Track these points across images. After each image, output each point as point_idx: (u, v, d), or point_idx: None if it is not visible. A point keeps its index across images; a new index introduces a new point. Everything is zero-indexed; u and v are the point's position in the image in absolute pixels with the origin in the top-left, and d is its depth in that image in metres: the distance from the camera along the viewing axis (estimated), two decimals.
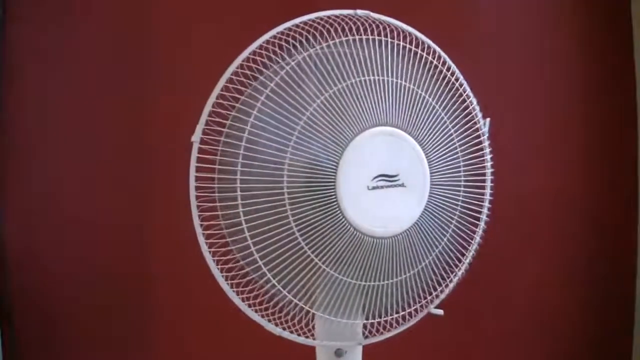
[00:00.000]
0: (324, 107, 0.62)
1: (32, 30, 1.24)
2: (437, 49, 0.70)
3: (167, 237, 1.22)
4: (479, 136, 0.72)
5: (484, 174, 0.72)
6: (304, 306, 0.65)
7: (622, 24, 1.17)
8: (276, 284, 0.63)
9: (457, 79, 0.70)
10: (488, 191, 0.73)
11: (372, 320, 0.68)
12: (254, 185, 0.62)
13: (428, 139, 0.67)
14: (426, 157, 0.66)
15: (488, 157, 0.72)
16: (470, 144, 0.71)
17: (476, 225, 0.72)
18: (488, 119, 0.73)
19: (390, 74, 0.65)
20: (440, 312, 0.71)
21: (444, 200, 0.68)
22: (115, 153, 1.23)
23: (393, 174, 0.65)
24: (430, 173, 0.67)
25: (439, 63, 0.69)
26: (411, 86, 0.66)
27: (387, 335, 0.70)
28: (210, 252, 0.64)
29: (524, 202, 1.18)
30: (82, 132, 1.24)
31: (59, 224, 1.24)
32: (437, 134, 0.67)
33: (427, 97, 0.67)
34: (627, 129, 1.18)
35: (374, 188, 0.64)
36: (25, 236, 1.26)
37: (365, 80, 0.64)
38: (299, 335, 0.67)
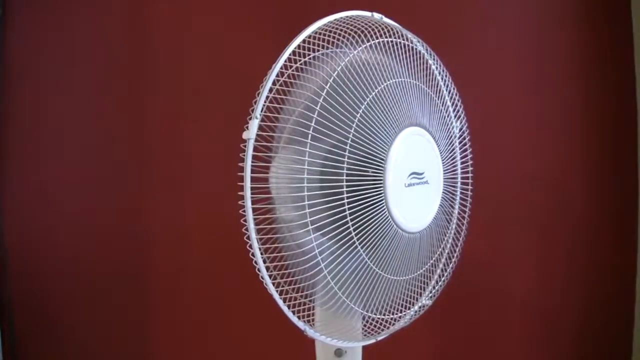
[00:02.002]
0: (371, 107, 0.63)
1: (32, 30, 1.24)
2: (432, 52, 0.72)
3: (167, 237, 1.22)
4: (465, 137, 0.76)
5: (467, 172, 0.77)
6: (353, 306, 0.65)
7: (622, 24, 1.17)
8: (337, 291, 0.63)
9: (452, 82, 0.74)
10: (470, 187, 0.77)
11: (379, 316, 0.69)
12: (311, 184, 0.60)
13: (440, 139, 0.70)
14: (441, 155, 0.70)
15: (469, 155, 0.77)
16: (462, 143, 0.76)
17: (463, 218, 0.77)
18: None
19: (409, 76, 0.68)
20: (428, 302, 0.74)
21: (447, 197, 0.73)
22: (115, 153, 1.23)
23: (421, 172, 0.67)
24: (445, 171, 0.71)
25: (434, 62, 0.73)
26: (424, 87, 0.69)
27: (388, 333, 0.70)
28: (260, 249, 0.60)
29: (523, 201, 1.18)
30: (82, 132, 1.24)
31: (58, 224, 1.24)
32: (445, 134, 0.72)
33: (435, 98, 0.71)
34: (627, 129, 1.18)
35: (409, 185, 0.66)
36: (25, 236, 1.26)
37: (400, 82, 0.66)
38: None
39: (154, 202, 1.23)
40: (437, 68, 0.73)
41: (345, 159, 0.61)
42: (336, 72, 0.63)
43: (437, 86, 0.72)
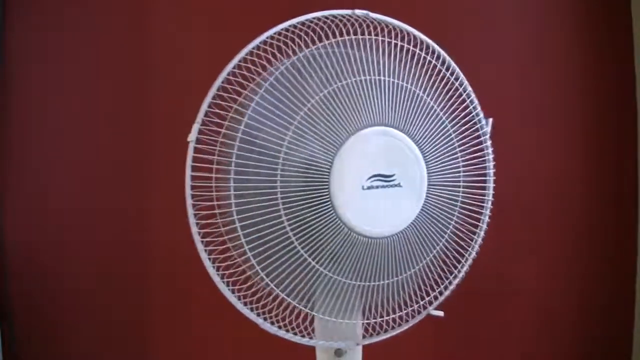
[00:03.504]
0: (319, 107, 0.62)
1: (32, 31, 1.24)
2: (436, 47, 0.69)
3: (167, 237, 1.22)
4: (479, 136, 0.71)
5: (484, 174, 0.71)
6: (297, 305, 0.65)
7: (622, 24, 1.17)
8: (270, 282, 0.64)
9: (457, 78, 0.70)
10: (490, 192, 0.72)
11: (369, 321, 0.68)
12: (247, 184, 0.62)
13: (426, 139, 0.66)
14: (423, 157, 0.66)
15: (490, 157, 0.72)
16: (471, 144, 0.70)
17: (476, 227, 0.72)
18: (490, 119, 0.72)
19: (387, 74, 0.65)
20: (440, 313, 0.71)
21: (442, 201, 0.68)
22: (115, 153, 1.23)
23: (389, 174, 0.64)
24: (428, 173, 0.66)
25: (438, 62, 0.69)
26: (408, 86, 0.65)
27: (387, 335, 0.70)
28: (206, 250, 0.64)
29: (523, 201, 1.18)
30: (82, 132, 1.24)
31: (58, 224, 1.24)
32: (435, 133, 0.67)
33: (425, 96, 0.66)
34: (627, 129, 1.18)
35: (369, 188, 0.63)
36: (25, 236, 1.26)
37: (361, 80, 0.63)
38: (295, 334, 0.67)
39: (154, 202, 1.23)
40: (440, 65, 0.69)
41: (280, 161, 0.61)
42: (279, 71, 0.63)
43: (435, 85, 0.68)
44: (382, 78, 0.64)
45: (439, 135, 0.67)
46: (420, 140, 0.66)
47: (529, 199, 1.18)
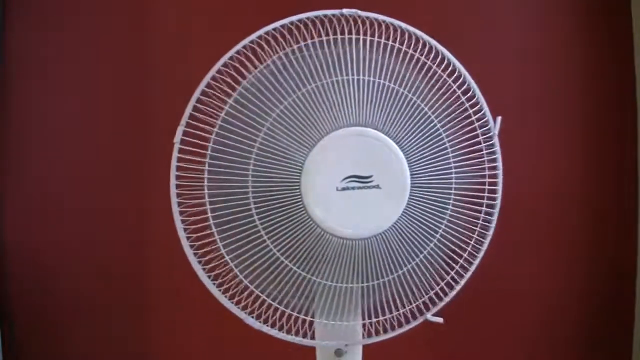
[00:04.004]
0: (292, 108, 0.63)
1: (32, 31, 1.24)
2: (432, 42, 0.67)
3: (167, 237, 1.22)
4: (476, 136, 0.68)
5: (484, 176, 0.68)
6: (272, 302, 0.66)
7: (622, 24, 1.17)
8: (244, 279, 0.65)
9: (452, 74, 0.67)
10: (499, 196, 0.69)
11: (355, 322, 0.68)
12: (221, 184, 0.64)
13: (409, 139, 0.64)
14: (406, 158, 0.64)
15: (498, 157, 0.69)
16: (465, 144, 0.68)
17: (473, 232, 0.69)
18: (499, 118, 0.69)
19: (367, 73, 0.64)
20: (439, 319, 0.69)
21: (428, 204, 0.65)
22: (116, 152, 1.23)
23: (366, 175, 0.63)
24: (412, 174, 0.64)
25: (429, 58, 0.67)
26: (391, 84, 0.64)
27: (386, 336, 0.69)
28: (191, 246, 0.67)
29: (522, 201, 1.18)
30: (82, 132, 1.24)
31: (58, 224, 1.24)
32: (421, 133, 0.65)
33: (410, 95, 0.65)
34: (627, 129, 1.18)
35: (343, 189, 0.63)
36: (25, 236, 1.26)
37: (338, 81, 0.63)
38: (295, 335, 0.67)
39: (154, 202, 1.22)
40: (431, 62, 0.67)
41: (252, 161, 0.63)
42: (253, 74, 0.64)
43: (425, 82, 0.66)
44: (361, 77, 0.63)
45: (425, 135, 0.65)
46: (402, 141, 0.64)
47: (528, 199, 1.18)
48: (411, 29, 0.67)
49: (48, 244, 1.25)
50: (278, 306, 0.66)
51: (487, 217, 0.69)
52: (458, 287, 0.69)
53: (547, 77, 1.19)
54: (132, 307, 1.24)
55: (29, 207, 1.25)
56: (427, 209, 0.65)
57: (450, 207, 0.66)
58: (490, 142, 0.69)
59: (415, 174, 0.64)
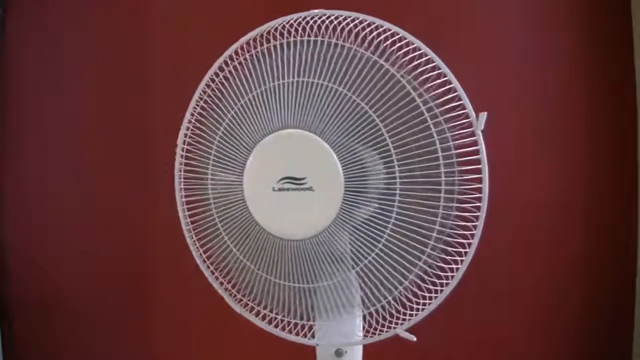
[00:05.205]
0: (240, 112, 0.66)
1: (32, 30, 1.24)
2: (402, 32, 0.62)
3: (167, 237, 1.22)
4: (431, 135, 0.61)
5: (439, 183, 0.61)
6: (241, 297, 0.70)
7: (622, 24, 1.17)
8: (213, 271, 0.71)
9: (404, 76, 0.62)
10: (484, 203, 0.63)
11: (303, 322, 0.68)
12: (194, 181, 0.70)
13: (344, 141, 0.62)
14: (340, 162, 0.61)
15: (484, 158, 0.62)
16: (419, 144, 0.61)
17: (426, 245, 0.62)
18: (484, 114, 0.63)
19: (308, 75, 0.63)
20: (411, 337, 0.65)
21: (365, 209, 0.62)
22: (116, 152, 1.23)
23: (300, 177, 0.63)
24: (347, 178, 0.61)
25: (387, 62, 0.62)
26: (330, 84, 0.62)
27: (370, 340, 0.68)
28: (193, 239, 0.73)
29: (522, 202, 1.18)
30: (82, 132, 1.24)
31: (59, 224, 1.24)
32: (357, 135, 0.61)
33: (353, 96, 0.61)
34: (627, 129, 1.18)
35: (279, 190, 0.63)
36: (25, 236, 1.26)
37: (278, 85, 0.64)
38: (297, 334, 0.68)
39: (154, 202, 1.23)
40: (390, 65, 0.62)
41: (211, 162, 0.68)
42: (214, 83, 0.69)
43: (373, 82, 0.61)
44: (302, 80, 0.63)
45: (363, 137, 0.61)
46: (336, 143, 0.61)
47: (527, 199, 1.18)
48: (378, 21, 0.64)
49: (48, 244, 1.25)
50: (248, 302, 0.70)
51: (431, 227, 0.62)
52: (419, 305, 0.64)
53: (547, 77, 1.19)
54: (132, 307, 1.24)
55: (29, 207, 1.25)
56: (370, 215, 0.62)
57: (394, 215, 0.62)
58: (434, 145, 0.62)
59: (352, 178, 0.62)
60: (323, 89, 0.62)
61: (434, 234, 0.62)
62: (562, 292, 1.20)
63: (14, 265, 1.26)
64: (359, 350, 0.72)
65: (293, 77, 0.63)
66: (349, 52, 0.62)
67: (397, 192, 0.61)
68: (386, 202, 0.62)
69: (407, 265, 0.62)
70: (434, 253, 0.62)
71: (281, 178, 0.63)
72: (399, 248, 0.62)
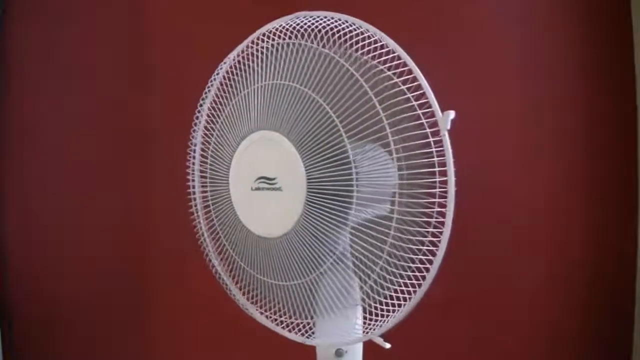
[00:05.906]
0: (231, 113, 0.69)
1: (32, 30, 1.24)
2: (373, 29, 0.61)
3: (167, 237, 1.22)
4: (382, 137, 0.60)
5: (389, 185, 0.61)
6: (237, 296, 0.72)
7: (622, 24, 1.17)
8: (216, 264, 0.73)
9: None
10: (452, 202, 0.57)
11: (300, 321, 0.69)
12: (206, 182, 0.74)
13: (307, 142, 0.62)
14: (303, 162, 0.62)
15: (449, 159, 0.58)
16: (376, 145, 0.60)
17: (384, 243, 0.61)
18: (450, 112, 0.58)
19: (277, 77, 0.65)
20: (385, 345, 0.65)
21: (325, 212, 0.61)
22: (116, 153, 1.23)
23: (272, 177, 0.65)
24: (310, 179, 0.61)
25: (354, 65, 0.61)
26: (296, 85, 0.63)
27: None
28: (207, 235, 0.75)
29: (522, 202, 1.18)
30: (82, 133, 1.24)
31: (59, 225, 1.24)
32: (321, 137, 0.61)
33: (316, 97, 0.62)
34: (627, 129, 1.18)
35: (256, 189, 0.66)
36: (25, 236, 1.26)
37: (263, 86, 0.66)
38: (296, 333, 0.69)
39: (155, 202, 1.23)
40: (355, 68, 0.61)
41: (208, 160, 0.71)
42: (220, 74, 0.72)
43: (336, 81, 0.61)
44: (278, 82, 0.65)
45: (325, 138, 0.61)
46: (301, 144, 0.62)
47: (527, 199, 1.18)
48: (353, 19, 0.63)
49: (48, 245, 1.25)
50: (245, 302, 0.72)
51: (388, 223, 0.61)
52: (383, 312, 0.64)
53: (547, 77, 1.19)
54: (132, 307, 1.24)
55: (29, 207, 1.25)
56: (324, 218, 0.62)
57: (351, 217, 0.61)
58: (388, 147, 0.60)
59: (315, 179, 0.62)
60: (290, 91, 0.64)
61: (389, 239, 0.61)
62: (562, 292, 1.20)
63: (14, 265, 1.26)
64: (359, 351, 0.73)
65: (266, 81, 0.66)
66: (315, 52, 0.63)
67: (355, 194, 0.60)
68: (343, 204, 0.61)
69: (374, 259, 0.62)
70: (391, 259, 0.61)
71: (257, 178, 0.66)
72: (359, 253, 0.62)
